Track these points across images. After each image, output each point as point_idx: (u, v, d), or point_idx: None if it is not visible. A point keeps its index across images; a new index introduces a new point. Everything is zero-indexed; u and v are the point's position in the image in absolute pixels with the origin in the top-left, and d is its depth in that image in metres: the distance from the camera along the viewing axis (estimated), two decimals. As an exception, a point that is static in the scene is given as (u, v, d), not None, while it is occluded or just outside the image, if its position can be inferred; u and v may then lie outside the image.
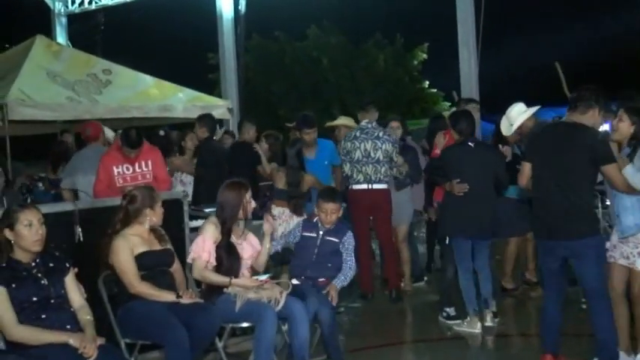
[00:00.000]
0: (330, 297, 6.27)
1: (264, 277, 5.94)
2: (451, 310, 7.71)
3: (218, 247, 5.88)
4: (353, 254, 6.59)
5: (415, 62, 29.77)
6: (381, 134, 8.69)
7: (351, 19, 28.27)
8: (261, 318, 5.58)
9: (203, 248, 5.87)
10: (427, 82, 30.25)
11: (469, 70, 12.99)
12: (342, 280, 6.46)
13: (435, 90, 29.98)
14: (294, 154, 8.37)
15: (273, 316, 5.61)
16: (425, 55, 29.55)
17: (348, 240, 6.59)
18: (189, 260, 5.93)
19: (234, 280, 5.80)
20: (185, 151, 10.02)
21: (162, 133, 10.15)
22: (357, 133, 8.77)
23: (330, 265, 6.48)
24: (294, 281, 6.29)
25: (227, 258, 5.88)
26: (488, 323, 7.51)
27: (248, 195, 6.00)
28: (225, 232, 5.93)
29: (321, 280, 6.40)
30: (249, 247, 6.13)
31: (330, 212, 6.52)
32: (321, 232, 6.56)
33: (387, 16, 29.67)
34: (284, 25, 28.01)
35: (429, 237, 10.46)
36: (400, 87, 29.02)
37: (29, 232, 4.83)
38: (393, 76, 28.96)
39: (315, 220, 6.64)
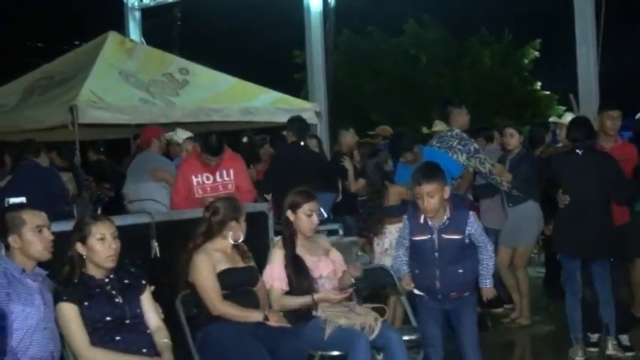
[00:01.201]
0: (485, 298, 6.12)
1: (349, 290, 5.96)
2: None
3: (285, 267, 5.95)
4: (485, 235, 5.99)
5: (526, 61, 29.33)
6: (455, 143, 8.62)
7: (453, 13, 28.04)
8: (353, 346, 5.58)
9: (273, 276, 5.94)
10: (539, 84, 29.78)
11: (588, 69, 12.70)
12: (487, 275, 5.96)
13: (549, 92, 29.48)
14: (374, 166, 8.35)
15: (366, 345, 5.60)
16: (537, 53, 29.10)
17: (472, 224, 5.84)
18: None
19: (316, 296, 5.84)
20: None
21: (245, 139, 10.27)
22: (434, 142, 8.77)
23: (461, 271, 5.85)
24: (417, 291, 6.04)
25: (294, 275, 5.92)
26: (611, 352, 7.37)
27: (307, 206, 6.03)
28: (289, 247, 5.99)
29: (454, 293, 5.90)
30: (329, 264, 6.15)
31: (427, 195, 5.70)
32: (435, 232, 5.82)
33: (493, 10, 29.31)
34: (378, 20, 27.94)
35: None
36: (508, 88, 28.63)
37: (102, 246, 4.95)
38: (500, 76, 28.60)
39: (422, 218, 5.88)
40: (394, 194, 8.09)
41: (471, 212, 5.93)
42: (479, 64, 28.63)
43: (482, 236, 5.90)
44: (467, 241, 5.83)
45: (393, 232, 7.77)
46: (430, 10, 28.21)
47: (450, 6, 27.24)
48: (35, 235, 4.84)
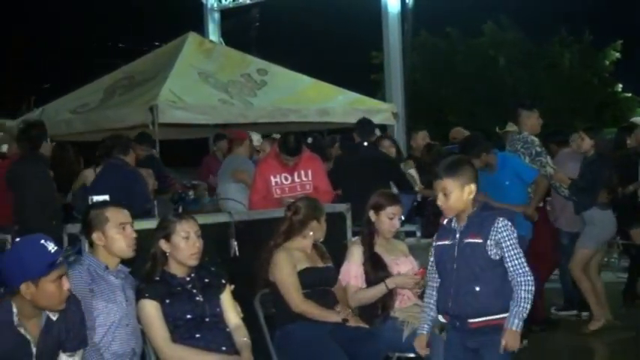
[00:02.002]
0: (505, 348, 4.57)
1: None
2: None
3: (363, 264, 5.96)
4: (523, 259, 4.67)
5: (607, 62, 28.83)
6: (519, 146, 8.50)
7: (532, 14, 27.74)
8: (430, 349, 5.54)
9: (350, 274, 5.96)
10: (620, 85, 29.25)
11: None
12: (515, 312, 4.57)
13: (630, 94, 28.94)
14: None
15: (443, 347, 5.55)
16: (618, 55, 28.58)
17: (501, 230, 4.63)
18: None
19: (388, 281, 5.83)
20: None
21: (310, 140, 10.28)
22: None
23: (478, 289, 4.63)
24: (441, 318, 4.93)
25: (372, 271, 5.92)
26: None
27: (390, 209, 6.02)
28: (368, 245, 6.00)
29: (472, 321, 4.68)
30: (408, 263, 6.14)
31: (441, 192, 4.76)
32: (457, 236, 4.79)
33: (573, 10, 28.89)
34: (456, 21, 27.81)
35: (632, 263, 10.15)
36: (588, 90, 28.17)
37: (186, 244, 5.00)
38: (579, 78, 28.16)
39: (446, 220, 4.92)
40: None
41: (501, 218, 4.68)
42: (557, 65, 28.22)
43: (513, 256, 4.62)
44: (492, 252, 4.61)
45: None
46: (509, 11, 27.95)
47: (529, 7, 26.95)
48: (119, 233, 4.89)
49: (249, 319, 5.37)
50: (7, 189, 8.15)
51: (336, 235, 6.61)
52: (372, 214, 6.07)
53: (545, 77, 27.87)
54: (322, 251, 5.95)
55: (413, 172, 9.18)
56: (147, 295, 4.89)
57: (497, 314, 4.61)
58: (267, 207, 7.30)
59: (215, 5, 18.37)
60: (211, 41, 14.93)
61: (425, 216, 9.19)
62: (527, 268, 4.61)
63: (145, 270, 5.04)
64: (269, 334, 5.61)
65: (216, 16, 18.38)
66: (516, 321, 4.53)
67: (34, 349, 4.08)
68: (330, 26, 27.33)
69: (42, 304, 4.06)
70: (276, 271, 5.67)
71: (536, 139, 8.55)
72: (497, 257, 4.62)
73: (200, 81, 12.09)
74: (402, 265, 6.03)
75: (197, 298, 4.96)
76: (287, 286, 5.61)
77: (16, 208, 7.92)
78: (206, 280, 5.07)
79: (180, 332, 4.85)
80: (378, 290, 5.84)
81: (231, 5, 18.77)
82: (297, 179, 7.81)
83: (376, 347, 5.54)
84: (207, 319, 4.93)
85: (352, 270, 5.94)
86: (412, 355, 5.72)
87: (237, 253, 6.17)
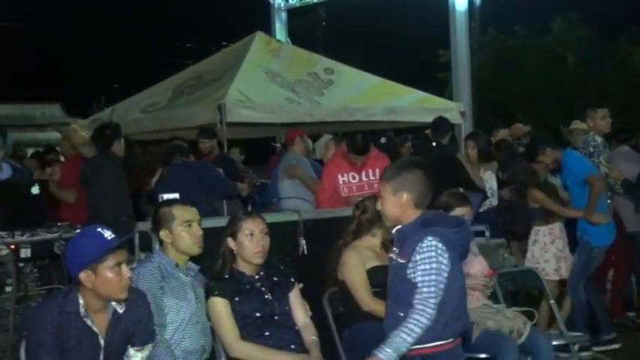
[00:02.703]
0: None
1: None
2: None
3: None
4: (432, 291, 4.04)
5: (679, 60, 28.28)
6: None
7: (601, 11, 27.31)
8: (501, 350, 5.49)
9: None
10: (692, 85, 28.66)
11: None
12: (391, 339, 4.12)
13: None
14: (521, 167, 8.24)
15: (514, 349, 5.50)
16: (691, 52, 28.02)
17: (425, 255, 4.06)
18: None
19: None
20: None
21: (383, 140, 10.24)
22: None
23: (402, 314, 4.15)
24: None
25: None
26: None
27: (459, 210, 5.94)
28: None
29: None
30: (478, 264, 6.08)
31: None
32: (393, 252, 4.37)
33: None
34: (523, 19, 27.51)
35: None
36: (659, 89, 27.68)
37: (250, 242, 5.03)
38: (649, 76, 27.68)
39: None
40: (535, 197, 8.09)
41: (430, 237, 4.06)
42: (628, 64, 27.75)
43: (423, 284, 4.05)
44: (413, 275, 4.10)
45: (539, 234, 7.90)
46: (578, 9, 27.56)
47: (598, 4, 26.54)
48: (184, 230, 4.94)
49: (317, 317, 5.38)
50: (80, 188, 8.30)
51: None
52: None
53: (614, 76, 27.43)
54: (392, 250, 5.91)
55: (488, 174, 9.06)
56: (216, 292, 4.93)
57: (421, 344, 4.11)
58: (335, 206, 7.31)
59: (282, 5, 18.42)
60: (278, 40, 14.95)
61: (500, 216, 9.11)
62: (429, 304, 4.01)
63: (215, 268, 5.08)
64: (337, 333, 5.60)
65: (283, 15, 18.43)
66: (387, 349, 4.11)
67: (102, 342, 4.14)
68: (397, 25, 27.25)
69: (103, 292, 4.11)
70: (346, 270, 5.66)
71: (598, 138, 8.42)
72: (409, 274, 4.12)
73: (267, 80, 12.10)
74: (472, 265, 5.97)
75: (266, 296, 4.98)
76: (356, 284, 5.60)
77: (89, 206, 8.05)
78: (275, 279, 5.09)
79: (250, 330, 4.87)
80: None
81: (297, 4, 18.82)
82: (364, 178, 7.80)
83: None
84: (276, 317, 4.94)
85: None
86: (483, 355, 5.69)
87: (306, 252, 6.19)
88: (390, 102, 12.70)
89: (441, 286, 4.06)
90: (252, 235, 5.03)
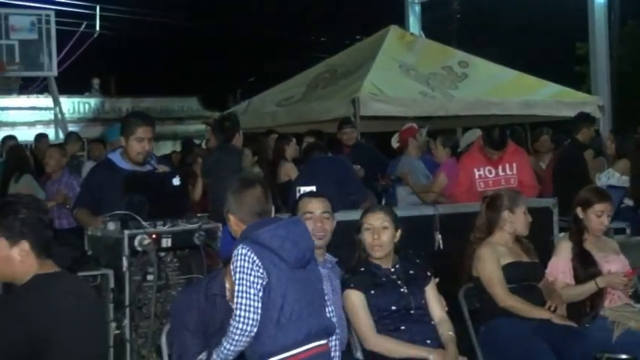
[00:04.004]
0: None
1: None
2: None
3: (572, 259, 5.77)
4: (247, 300, 3.96)
5: None
6: None
7: None
8: (644, 351, 5.31)
9: (557, 269, 5.79)
10: None
11: None
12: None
13: None
14: None
15: None
16: None
17: (234, 264, 4.05)
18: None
19: (598, 279, 5.62)
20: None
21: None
22: None
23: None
24: None
25: (581, 268, 5.72)
26: None
27: (598, 206, 5.80)
28: (576, 240, 5.80)
29: None
30: (619, 261, 5.90)
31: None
32: None
33: None
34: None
35: None
36: None
37: (369, 235, 5.03)
38: None
39: None
40: None
41: (241, 245, 4.09)
42: None
43: (237, 294, 4.02)
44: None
45: None
46: None
47: None
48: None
49: (453, 313, 5.31)
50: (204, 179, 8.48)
51: (542, 230, 6.44)
52: (579, 210, 5.86)
53: None
54: (527, 246, 5.80)
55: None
56: (352, 285, 4.93)
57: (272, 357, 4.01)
58: (471, 200, 7.20)
59: (416, -2, 18.34)
60: (412, 34, 14.89)
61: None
62: (246, 314, 3.92)
63: (351, 261, 5.09)
64: (473, 328, 5.53)
65: (417, 8, 18.36)
66: None
67: None
68: (533, 17, 26.74)
69: None
70: (480, 267, 5.59)
71: None
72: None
73: (401, 74, 12.09)
74: (613, 264, 5.80)
75: (402, 290, 4.95)
76: (492, 281, 5.51)
77: (210, 197, 8.20)
78: (411, 272, 5.06)
79: (385, 323, 4.85)
80: (587, 288, 5.64)
81: (431, -2, 18.72)
82: (501, 173, 7.66)
83: (584, 347, 5.33)
84: (412, 312, 4.91)
85: (560, 265, 5.77)
86: (624, 356, 5.48)
87: (442, 247, 6.13)
88: (526, 95, 12.50)
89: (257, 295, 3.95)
90: (371, 229, 5.03)
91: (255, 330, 3.94)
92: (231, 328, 3.95)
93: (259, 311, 3.94)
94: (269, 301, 3.95)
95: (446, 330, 4.93)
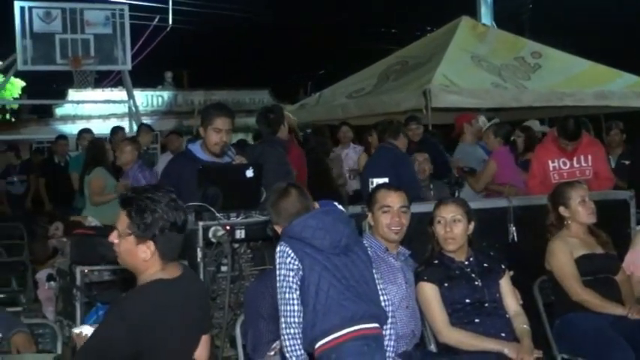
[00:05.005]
0: None
1: None
2: None
3: None
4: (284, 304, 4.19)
5: None
6: None
7: None
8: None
9: (634, 262, 5.72)
10: None
11: None
12: None
13: None
14: None
15: None
16: None
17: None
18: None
19: None
20: None
21: None
22: None
23: None
24: None
25: None
26: None
27: None
28: None
29: None
30: None
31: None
32: None
33: None
34: None
35: None
36: None
37: (441, 228, 5.00)
38: None
39: None
40: None
41: (280, 243, 4.38)
42: None
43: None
44: None
45: None
46: None
47: None
48: (382, 215, 4.98)
49: (528, 306, 5.24)
50: None
51: (619, 223, 6.34)
52: None
53: None
54: (603, 238, 5.69)
55: None
56: (425, 277, 4.91)
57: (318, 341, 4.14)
58: (545, 192, 7.09)
59: (488, -11, 18.10)
60: (484, 24, 14.69)
61: None
62: (289, 319, 4.12)
63: (425, 253, 5.06)
64: (548, 322, 5.45)
65: (489, -1, 18.12)
66: None
67: None
68: (608, 6, 26.26)
69: None
70: (553, 261, 5.51)
71: None
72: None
73: (473, 65, 11.95)
74: None
75: (476, 283, 4.90)
76: (565, 274, 5.43)
77: None
78: (485, 265, 5.01)
79: (459, 316, 4.81)
80: None
81: (508, -13, 18.45)
82: (575, 164, 7.54)
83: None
84: (486, 305, 4.86)
85: (637, 258, 5.65)
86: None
87: (516, 239, 6.05)
88: (601, 86, 12.25)
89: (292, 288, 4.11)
90: (443, 222, 5.00)
91: (300, 328, 4.07)
92: (282, 335, 4.11)
93: (300, 313, 4.09)
94: (303, 289, 4.06)
95: (520, 323, 4.86)
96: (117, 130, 12.47)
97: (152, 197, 3.64)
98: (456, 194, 7.81)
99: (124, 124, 17.05)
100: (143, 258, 3.63)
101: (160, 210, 3.60)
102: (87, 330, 3.73)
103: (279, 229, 4.40)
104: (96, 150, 9.74)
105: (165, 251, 3.66)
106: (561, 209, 5.62)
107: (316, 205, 4.47)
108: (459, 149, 9.94)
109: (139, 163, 9.23)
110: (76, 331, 3.80)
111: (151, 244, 3.62)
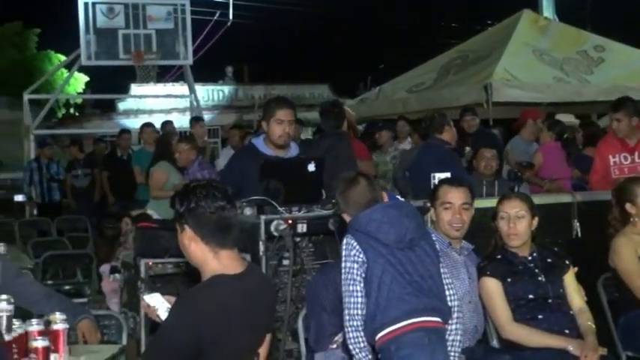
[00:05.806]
0: None
1: None
2: None
3: None
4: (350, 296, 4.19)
5: None
6: None
7: None
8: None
9: None
10: None
11: None
12: None
13: None
14: None
15: None
16: None
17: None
18: None
19: None
20: None
21: None
22: None
23: None
24: None
25: None
26: None
27: None
28: None
29: None
30: None
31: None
32: None
33: None
34: None
35: None
36: None
37: (504, 224, 4.93)
38: None
39: None
40: None
41: (346, 236, 4.41)
42: None
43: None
44: None
45: None
46: None
47: None
48: (443, 211, 4.97)
49: (592, 303, 5.16)
50: None
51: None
52: None
53: None
54: (670, 235, 5.58)
55: None
56: (488, 272, 4.86)
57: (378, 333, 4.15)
58: (607, 188, 6.98)
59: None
60: (546, 18, 14.53)
61: None
62: (352, 311, 4.13)
63: (487, 248, 5.03)
64: (613, 319, 5.36)
65: (554, -7, 17.89)
66: None
67: None
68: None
69: None
70: (616, 258, 5.40)
71: None
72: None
73: (534, 59, 11.84)
74: None
75: (539, 278, 4.84)
76: (629, 272, 5.32)
77: (326, 182, 8.20)
78: (549, 260, 4.94)
79: (522, 312, 4.76)
80: None
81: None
82: (637, 159, 7.38)
83: None
84: (549, 301, 4.79)
85: None
86: None
87: (580, 235, 5.97)
88: (665, 79, 12.01)
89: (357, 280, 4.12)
90: (506, 217, 4.93)
91: (363, 321, 4.08)
92: (345, 327, 4.12)
93: (363, 306, 4.09)
94: (366, 282, 4.07)
95: (585, 320, 4.78)
96: (165, 125, 12.63)
97: (194, 187, 3.64)
98: (516, 189, 7.73)
99: (186, 118, 17.21)
100: (188, 246, 3.61)
101: (203, 202, 3.57)
102: (154, 301, 3.74)
103: (347, 218, 4.38)
104: (162, 145, 9.86)
105: (204, 233, 3.59)
106: (628, 206, 5.50)
107: (385, 197, 4.46)
108: (514, 142, 9.85)
109: (199, 160, 9.32)
110: (146, 299, 3.78)
111: (187, 229, 3.60)
